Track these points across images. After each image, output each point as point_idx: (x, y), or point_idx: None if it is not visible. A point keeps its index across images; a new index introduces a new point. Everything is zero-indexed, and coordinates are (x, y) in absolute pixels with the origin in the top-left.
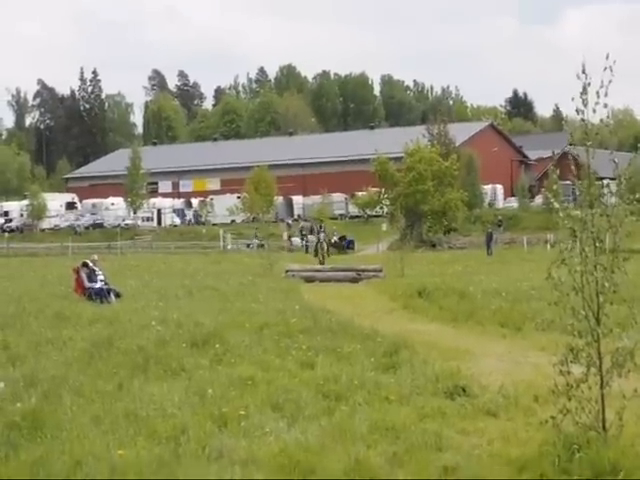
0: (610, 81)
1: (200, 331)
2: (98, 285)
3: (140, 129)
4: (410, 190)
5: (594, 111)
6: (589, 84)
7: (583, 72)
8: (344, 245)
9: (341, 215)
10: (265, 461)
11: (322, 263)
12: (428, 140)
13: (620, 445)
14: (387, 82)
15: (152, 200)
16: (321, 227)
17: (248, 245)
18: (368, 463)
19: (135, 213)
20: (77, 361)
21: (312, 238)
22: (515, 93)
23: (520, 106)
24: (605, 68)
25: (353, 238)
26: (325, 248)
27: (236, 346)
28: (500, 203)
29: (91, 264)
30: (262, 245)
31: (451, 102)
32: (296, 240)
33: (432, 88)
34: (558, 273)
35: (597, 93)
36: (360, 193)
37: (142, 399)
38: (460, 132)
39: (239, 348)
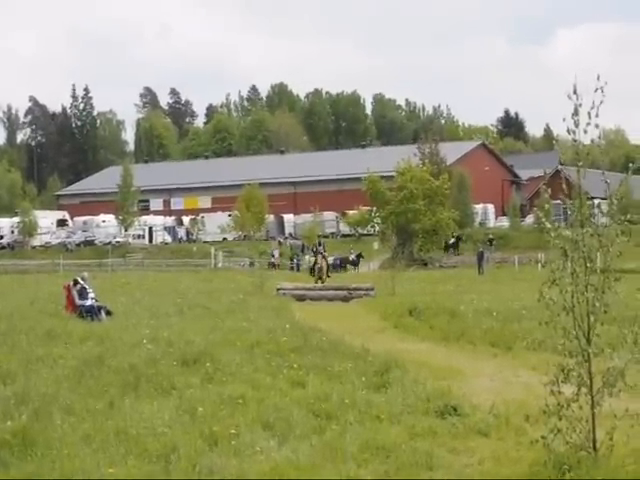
0: (601, 102)
1: (191, 349)
2: (89, 303)
3: (132, 146)
4: (401, 209)
5: (585, 131)
6: (580, 105)
7: (574, 93)
8: (355, 262)
9: (332, 233)
10: None
11: (317, 283)
12: (419, 159)
13: (610, 465)
14: (379, 101)
15: (143, 218)
16: (320, 244)
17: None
18: None
19: (126, 230)
20: (68, 379)
21: (308, 257)
22: (506, 113)
23: (511, 126)
24: (596, 89)
25: (341, 257)
26: (324, 268)
27: (227, 365)
28: (491, 222)
29: (82, 281)
30: (253, 263)
31: (442, 121)
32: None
33: (424, 107)
34: (549, 293)
35: (588, 114)
36: (351, 212)
37: (133, 417)
38: (451, 151)
39: (230, 367)
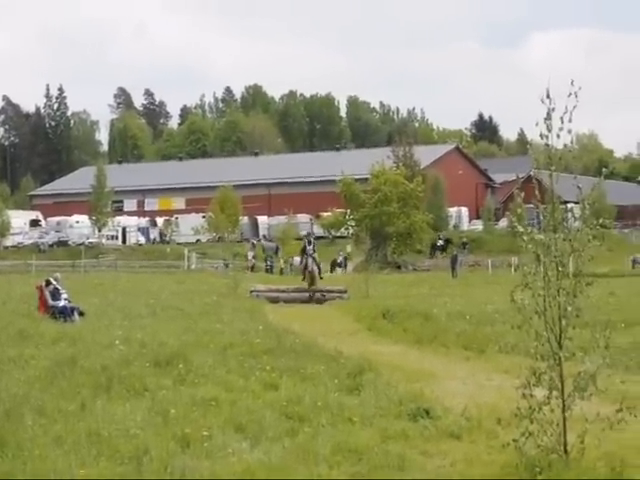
0: (575, 106)
1: (164, 351)
2: (62, 303)
3: (105, 147)
4: (375, 212)
5: (558, 136)
6: (553, 109)
7: (547, 97)
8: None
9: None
10: None
11: (311, 285)
12: (393, 162)
13: (581, 468)
14: (353, 103)
15: (117, 218)
16: (310, 243)
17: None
18: None
19: (100, 231)
20: (39, 380)
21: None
22: (480, 116)
23: (485, 129)
24: (570, 94)
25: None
26: (316, 270)
27: (200, 366)
28: (465, 225)
29: (55, 282)
30: (227, 265)
31: (417, 124)
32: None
33: (398, 110)
34: (521, 296)
35: (561, 119)
36: (325, 214)
37: (105, 419)
38: (426, 154)
39: (203, 368)
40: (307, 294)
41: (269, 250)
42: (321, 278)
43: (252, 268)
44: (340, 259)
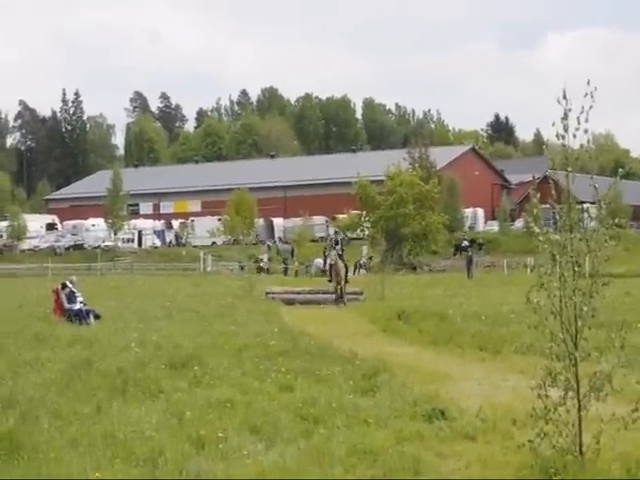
0: (591, 107)
1: (179, 353)
2: (77, 306)
3: (121, 151)
4: (391, 213)
5: (574, 136)
6: (570, 109)
7: (564, 97)
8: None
9: (322, 238)
10: None
11: (337, 290)
12: (409, 164)
13: (597, 469)
14: (369, 105)
15: (133, 221)
16: (337, 243)
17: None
18: None
19: (116, 234)
20: (55, 383)
21: (318, 261)
22: (496, 117)
23: (501, 130)
24: (586, 94)
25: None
26: (343, 271)
27: (215, 368)
28: (481, 226)
29: (70, 285)
30: (242, 267)
31: (432, 126)
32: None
33: (414, 112)
34: (537, 297)
35: (578, 119)
36: (341, 216)
37: (120, 421)
38: (441, 156)
39: (218, 370)
40: (323, 296)
41: (284, 252)
42: (347, 281)
43: (268, 270)
44: (363, 260)
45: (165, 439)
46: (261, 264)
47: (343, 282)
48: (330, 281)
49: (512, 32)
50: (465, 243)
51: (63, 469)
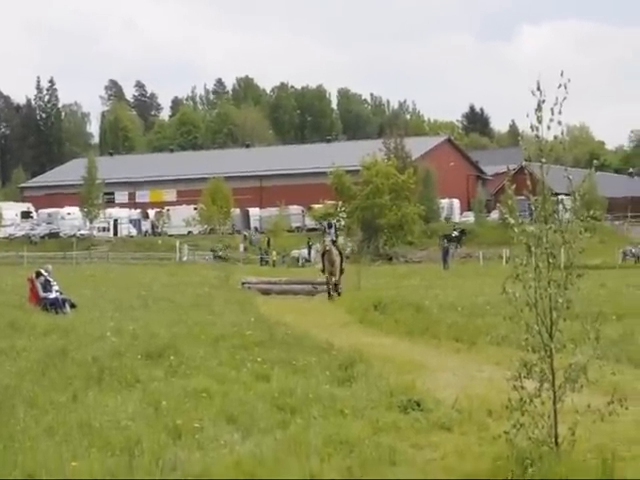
0: (564, 98)
1: (155, 342)
2: (53, 295)
3: (97, 139)
4: (367, 203)
5: (548, 128)
6: (544, 101)
7: (538, 89)
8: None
9: (298, 227)
10: (219, 474)
11: (330, 282)
12: (385, 154)
13: (572, 460)
14: (344, 95)
15: (108, 210)
16: (330, 226)
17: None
18: (322, 477)
19: (91, 223)
20: (31, 372)
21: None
22: (472, 108)
23: (477, 121)
24: (560, 85)
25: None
26: (338, 262)
27: (191, 358)
28: (456, 217)
29: (46, 274)
30: (220, 257)
31: (408, 116)
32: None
33: (389, 102)
34: (513, 288)
35: (552, 110)
36: (317, 206)
37: (96, 410)
38: (417, 146)
39: (194, 360)
40: (299, 286)
41: (256, 242)
42: (342, 271)
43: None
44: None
45: (141, 428)
46: (219, 253)
47: (338, 272)
48: (323, 271)
49: (488, 23)
50: (455, 233)
51: (39, 458)
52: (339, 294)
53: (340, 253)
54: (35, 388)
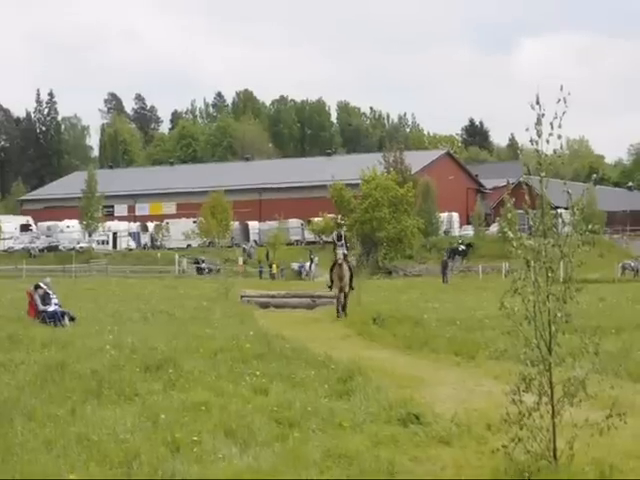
0: (564, 112)
1: (154, 356)
2: (52, 308)
3: (96, 152)
4: (366, 217)
5: (548, 142)
6: (543, 115)
7: (537, 103)
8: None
9: (297, 241)
10: None
11: (340, 299)
12: (384, 167)
13: (570, 474)
14: (344, 109)
15: (108, 223)
16: (340, 237)
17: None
18: None
19: (90, 236)
20: (29, 385)
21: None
22: (471, 122)
23: (476, 135)
24: (559, 100)
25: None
26: (347, 276)
27: (190, 371)
28: (456, 231)
29: (45, 287)
30: (203, 269)
31: (408, 130)
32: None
33: (389, 116)
34: (511, 302)
35: (551, 124)
36: (316, 219)
37: (94, 424)
38: (416, 160)
39: (193, 373)
40: (298, 299)
41: (250, 254)
42: (352, 287)
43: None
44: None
45: (140, 442)
46: (202, 265)
47: (347, 288)
48: (330, 287)
49: (487, 36)
50: (462, 247)
51: (37, 471)
52: (345, 314)
53: (350, 268)
54: (33, 401)
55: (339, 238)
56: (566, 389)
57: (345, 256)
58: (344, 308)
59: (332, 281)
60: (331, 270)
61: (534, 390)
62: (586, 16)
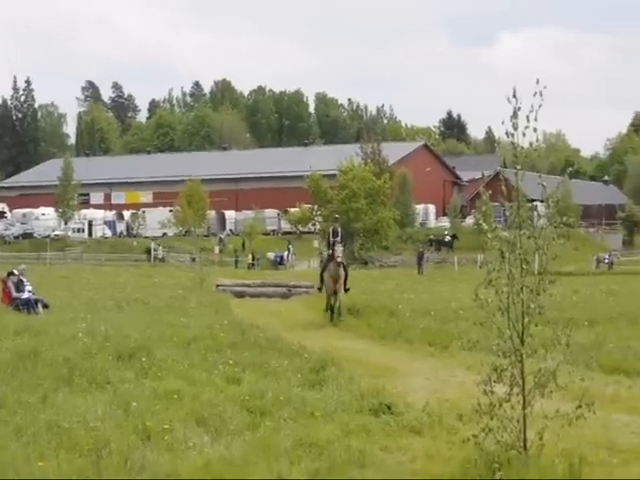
0: (540, 105)
1: (127, 344)
2: (26, 295)
3: (73, 140)
4: (343, 208)
5: (524, 135)
6: (519, 108)
7: (514, 96)
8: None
9: (273, 231)
10: (188, 475)
11: (332, 303)
12: (362, 159)
13: (540, 465)
14: (322, 100)
15: (83, 211)
16: (336, 233)
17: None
18: (291, 479)
19: (66, 224)
20: (1, 372)
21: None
22: (449, 114)
23: (454, 127)
24: (535, 93)
25: (282, 254)
26: (342, 277)
27: (163, 360)
28: (432, 223)
29: (18, 274)
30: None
31: (385, 121)
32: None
33: (366, 107)
34: (486, 294)
35: (527, 117)
36: (293, 209)
37: (65, 411)
38: (394, 151)
39: (166, 362)
40: (274, 289)
41: (226, 244)
42: (347, 290)
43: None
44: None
45: (110, 430)
46: (153, 253)
47: (342, 291)
48: (320, 289)
49: (466, 29)
50: (447, 238)
51: (6, 458)
52: (340, 314)
53: (345, 268)
54: (4, 388)
55: (335, 234)
56: (537, 380)
57: (336, 256)
58: (339, 311)
59: (322, 282)
60: (323, 270)
61: (506, 381)
62: (565, 11)
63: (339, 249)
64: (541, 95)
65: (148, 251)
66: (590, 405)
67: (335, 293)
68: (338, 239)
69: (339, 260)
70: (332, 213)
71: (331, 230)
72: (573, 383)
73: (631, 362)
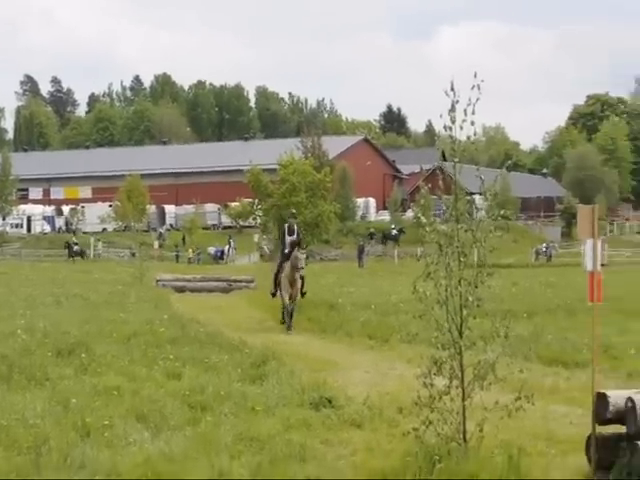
0: (478, 99)
1: (66, 340)
2: None
3: (11, 134)
4: (283, 202)
5: (462, 128)
6: (457, 101)
7: (452, 89)
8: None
9: (214, 225)
10: (127, 472)
11: (287, 308)
12: (302, 152)
13: (479, 456)
14: (262, 94)
15: (22, 207)
16: (292, 231)
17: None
18: (231, 474)
19: (4, 219)
20: None
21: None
22: (389, 108)
23: (394, 121)
24: (473, 86)
25: (223, 248)
26: (298, 282)
27: (102, 356)
28: (372, 216)
29: None
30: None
31: (326, 115)
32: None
33: (307, 101)
34: (424, 287)
35: (465, 111)
36: (233, 204)
37: (4, 408)
38: (334, 145)
39: (105, 358)
40: (214, 283)
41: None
42: (304, 294)
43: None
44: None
45: (50, 427)
46: (74, 248)
47: (299, 296)
48: (274, 295)
49: (407, 23)
50: (394, 232)
51: None
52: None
53: (301, 276)
54: None
55: (290, 232)
56: (476, 372)
57: (297, 252)
58: (291, 317)
59: (276, 286)
60: (277, 274)
61: (445, 373)
62: (504, 5)
63: (301, 257)
64: (479, 89)
65: (68, 246)
66: (529, 397)
67: (291, 298)
68: (295, 237)
69: (299, 265)
70: (273, 207)
71: (286, 227)
72: (512, 375)
73: (569, 353)
